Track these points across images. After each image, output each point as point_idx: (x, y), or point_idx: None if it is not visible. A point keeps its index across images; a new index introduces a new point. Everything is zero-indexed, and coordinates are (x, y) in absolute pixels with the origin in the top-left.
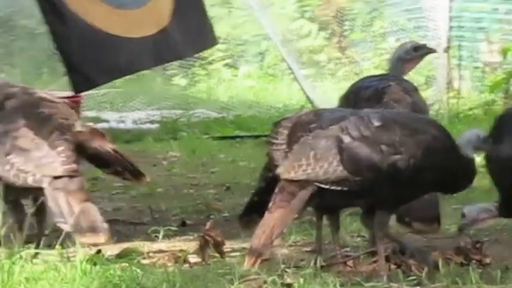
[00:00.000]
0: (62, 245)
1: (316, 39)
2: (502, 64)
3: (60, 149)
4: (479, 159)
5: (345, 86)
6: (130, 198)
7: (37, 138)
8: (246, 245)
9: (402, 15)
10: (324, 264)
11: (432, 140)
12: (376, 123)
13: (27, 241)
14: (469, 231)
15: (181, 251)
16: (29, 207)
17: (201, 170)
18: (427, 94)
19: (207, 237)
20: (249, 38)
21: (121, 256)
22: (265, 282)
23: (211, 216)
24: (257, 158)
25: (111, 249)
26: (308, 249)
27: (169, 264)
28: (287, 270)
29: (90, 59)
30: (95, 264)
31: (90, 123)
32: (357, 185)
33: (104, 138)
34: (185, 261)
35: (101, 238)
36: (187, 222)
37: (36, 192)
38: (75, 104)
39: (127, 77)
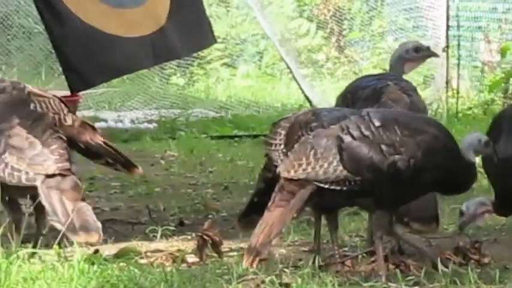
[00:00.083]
0: (59, 244)
1: (314, 38)
2: (501, 63)
3: (53, 147)
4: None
5: (343, 85)
6: (128, 198)
7: (31, 137)
8: (244, 244)
9: (401, 14)
10: (322, 264)
11: (433, 139)
12: (377, 123)
13: (25, 241)
14: (468, 231)
15: (179, 250)
16: (26, 206)
17: (199, 169)
18: (425, 93)
19: (205, 237)
20: (247, 37)
21: (119, 256)
22: (263, 282)
23: (209, 216)
24: (255, 157)
25: (109, 249)
26: (306, 249)
27: (167, 264)
28: (285, 270)
29: (88, 59)
30: (92, 264)
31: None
32: (357, 185)
33: (95, 132)
34: (183, 261)
35: (94, 237)
36: (185, 221)
37: (32, 191)
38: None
39: (125, 77)
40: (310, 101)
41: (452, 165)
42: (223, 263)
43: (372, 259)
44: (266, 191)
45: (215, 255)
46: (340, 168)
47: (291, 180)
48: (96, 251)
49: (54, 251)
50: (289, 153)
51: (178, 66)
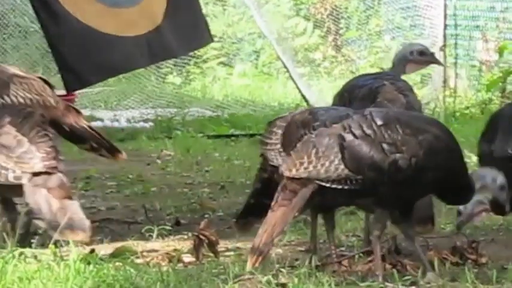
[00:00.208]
0: (55, 244)
1: (311, 37)
2: (499, 62)
3: (40, 145)
4: (475, 158)
5: (340, 84)
6: (124, 197)
7: (19, 135)
8: (240, 244)
9: (398, 13)
10: (318, 263)
11: (434, 139)
12: (379, 122)
13: (20, 240)
14: (466, 230)
15: (175, 250)
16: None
17: (196, 168)
18: (423, 92)
19: (201, 236)
20: (243, 36)
21: (115, 255)
22: (259, 282)
23: (206, 216)
24: (252, 156)
25: (105, 249)
26: (303, 248)
27: (163, 263)
28: (282, 269)
29: (84, 58)
30: (88, 263)
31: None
32: (358, 184)
33: (80, 115)
34: (179, 260)
35: (79, 236)
36: (182, 221)
37: (21, 190)
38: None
39: (121, 75)
40: (307, 100)
41: (453, 166)
42: (220, 263)
43: (369, 259)
44: (263, 192)
45: (211, 254)
46: (342, 167)
47: (293, 179)
48: (92, 251)
49: (50, 251)
50: (292, 152)
51: (174, 65)
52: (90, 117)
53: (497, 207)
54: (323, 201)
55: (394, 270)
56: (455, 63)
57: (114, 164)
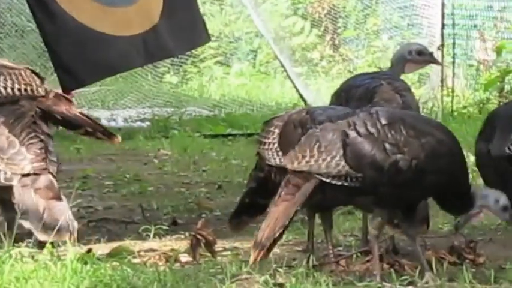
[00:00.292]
0: (52, 243)
1: (308, 36)
2: (496, 62)
3: (30, 146)
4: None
5: (337, 83)
6: (121, 197)
7: (11, 136)
8: (237, 244)
9: (396, 12)
10: (316, 263)
11: (437, 143)
12: (384, 121)
13: (17, 240)
14: (464, 230)
15: (172, 250)
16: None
17: (193, 168)
18: (420, 92)
19: (198, 236)
20: (241, 35)
21: (112, 255)
22: (257, 281)
23: (203, 215)
24: (249, 156)
25: (102, 248)
26: (300, 248)
27: (160, 263)
28: (279, 269)
29: (80, 58)
30: (85, 263)
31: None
32: (358, 182)
33: (70, 103)
34: (176, 260)
35: (64, 237)
36: (179, 221)
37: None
38: None
39: (118, 75)
40: (304, 100)
41: (455, 171)
42: (217, 263)
43: (367, 258)
44: (258, 191)
45: (209, 254)
46: (343, 163)
47: (296, 173)
48: (89, 250)
49: (47, 250)
50: (296, 145)
51: (171, 65)
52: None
53: None
54: (324, 198)
55: (392, 270)
56: (453, 63)
57: (111, 164)
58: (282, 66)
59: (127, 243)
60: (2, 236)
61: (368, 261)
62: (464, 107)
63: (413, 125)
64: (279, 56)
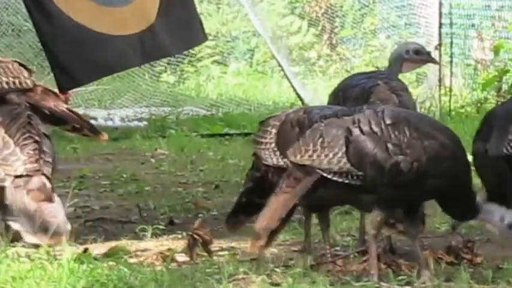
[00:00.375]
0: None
1: (306, 35)
2: (494, 61)
3: (24, 147)
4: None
5: (335, 83)
6: (118, 197)
7: (6, 136)
8: (234, 244)
9: (393, 11)
10: (313, 263)
11: (440, 147)
12: (388, 121)
13: (14, 239)
14: (461, 230)
15: (169, 249)
16: None
17: (190, 168)
18: (418, 91)
19: (195, 236)
20: (238, 34)
21: (108, 255)
22: (253, 281)
23: (200, 215)
24: (247, 155)
25: (99, 248)
26: (297, 248)
27: (157, 263)
28: (276, 269)
29: (77, 57)
30: (82, 263)
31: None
32: (359, 180)
33: (58, 98)
34: (173, 260)
35: (53, 239)
36: (176, 220)
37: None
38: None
39: (115, 74)
40: (301, 99)
41: (457, 175)
42: (214, 262)
43: (364, 258)
44: (254, 191)
45: (205, 254)
46: (344, 160)
47: (298, 166)
48: (86, 250)
49: (44, 250)
50: (300, 138)
51: (168, 64)
52: (83, 116)
53: None
54: (324, 194)
55: (389, 270)
56: (451, 62)
57: (107, 163)
58: (279, 65)
59: (124, 243)
60: None
61: (365, 261)
62: (462, 107)
63: (417, 126)
64: (276, 56)
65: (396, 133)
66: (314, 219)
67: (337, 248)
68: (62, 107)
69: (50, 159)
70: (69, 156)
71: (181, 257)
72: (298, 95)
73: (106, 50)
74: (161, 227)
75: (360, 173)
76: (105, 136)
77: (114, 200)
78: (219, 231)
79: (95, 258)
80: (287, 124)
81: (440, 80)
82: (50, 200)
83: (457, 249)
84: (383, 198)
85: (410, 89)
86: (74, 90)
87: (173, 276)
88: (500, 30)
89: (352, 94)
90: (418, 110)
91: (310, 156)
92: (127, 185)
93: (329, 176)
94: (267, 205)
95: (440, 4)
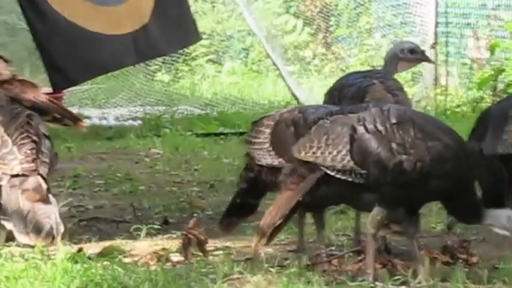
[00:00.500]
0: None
1: (301, 34)
2: (490, 60)
3: (21, 146)
4: None
5: (330, 82)
6: (112, 196)
7: (5, 135)
8: (229, 243)
9: (388, 10)
10: (308, 263)
11: (443, 148)
12: (393, 120)
13: (8, 239)
14: (457, 230)
15: (163, 249)
16: None
17: (184, 167)
18: (414, 91)
19: (190, 235)
20: (233, 33)
21: (103, 254)
22: (248, 281)
23: (195, 215)
24: (241, 155)
25: (93, 248)
26: (292, 248)
27: (151, 263)
28: (271, 269)
29: (71, 57)
30: (76, 262)
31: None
32: (362, 178)
33: (37, 89)
34: (168, 260)
35: (46, 240)
36: (170, 220)
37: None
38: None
39: (109, 73)
40: (297, 98)
41: (460, 177)
42: (209, 262)
43: (359, 258)
44: (248, 191)
45: (200, 254)
46: (348, 158)
47: (302, 163)
48: (80, 250)
49: (38, 250)
50: (306, 134)
51: (163, 63)
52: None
53: None
54: (327, 192)
55: (385, 270)
56: (446, 61)
57: (102, 163)
58: (274, 64)
59: (118, 242)
60: None
61: (360, 260)
62: (458, 106)
63: (422, 127)
64: (271, 55)
65: (401, 133)
66: (310, 219)
67: (333, 248)
68: (42, 97)
69: (47, 159)
70: (63, 156)
71: (176, 257)
72: (294, 94)
73: (100, 49)
74: (156, 226)
75: (363, 172)
76: (85, 123)
77: (108, 199)
78: (214, 231)
79: (89, 258)
80: (281, 124)
81: (436, 79)
82: (45, 200)
83: (453, 248)
84: (386, 197)
85: (406, 88)
86: (68, 89)
87: (168, 276)
88: (496, 29)
89: (347, 93)
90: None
91: (314, 153)
92: (121, 185)
93: (332, 174)
94: (274, 202)
95: (436, 3)
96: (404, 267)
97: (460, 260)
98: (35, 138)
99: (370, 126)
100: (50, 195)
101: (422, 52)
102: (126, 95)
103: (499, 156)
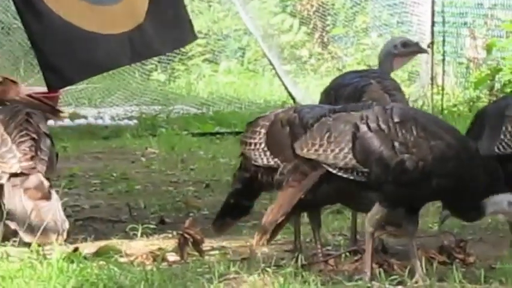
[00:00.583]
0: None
1: (297, 34)
2: (487, 60)
3: (20, 145)
4: None
5: (327, 81)
6: (108, 196)
7: (5, 134)
8: (225, 243)
9: (385, 10)
10: (304, 263)
11: (446, 147)
12: (396, 119)
13: (4, 239)
14: (453, 229)
15: (159, 249)
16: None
17: (180, 166)
18: (410, 90)
19: (186, 235)
20: (229, 32)
21: (98, 254)
22: (245, 281)
23: (191, 214)
24: (237, 154)
25: (89, 247)
26: (289, 248)
27: (147, 262)
28: (267, 269)
29: (67, 56)
30: (71, 262)
31: (67, 119)
32: (364, 177)
33: (17, 85)
34: (163, 259)
35: (51, 238)
36: (166, 220)
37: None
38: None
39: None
40: (293, 98)
41: (463, 176)
42: (205, 262)
43: (356, 258)
44: (243, 192)
45: (196, 253)
46: (350, 156)
47: (305, 161)
48: (76, 249)
49: (33, 249)
50: (308, 131)
51: (159, 62)
52: (74, 114)
53: None
54: (328, 189)
55: (381, 270)
56: (443, 61)
57: (98, 162)
58: (271, 64)
59: (114, 242)
60: None
61: (357, 260)
62: (455, 105)
63: (425, 126)
64: (268, 54)
65: (403, 131)
66: (306, 219)
67: (329, 248)
68: (23, 94)
69: (45, 158)
70: (59, 155)
71: (172, 257)
72: (290, 94)
73: (96, 48)
74: (152, 226)
75: (365, 170)
76: (65, 114)
77: (104, 199)
78: (210, 231)
79: (85, 258)
80: (277, 124)
81: (432, 79)
82: (47, 198)
83: (450, 248)
84: (387, 196)
85: (402, 88)
86: (64, 89)
87: (164, 275)
88: (493, 29)
89: (344, 93)
90: None
91: (316, 150)
92: (117, 184)
93: (334, 171)
94: (276, 199)
95: (433, 2)
96: (401, 267)
97: (457, 260)
98: (34, 136)
99: (373, 125)
100: (53, 192)
101: (416, 44)
102: (122, 94)
103: (496, 156)
